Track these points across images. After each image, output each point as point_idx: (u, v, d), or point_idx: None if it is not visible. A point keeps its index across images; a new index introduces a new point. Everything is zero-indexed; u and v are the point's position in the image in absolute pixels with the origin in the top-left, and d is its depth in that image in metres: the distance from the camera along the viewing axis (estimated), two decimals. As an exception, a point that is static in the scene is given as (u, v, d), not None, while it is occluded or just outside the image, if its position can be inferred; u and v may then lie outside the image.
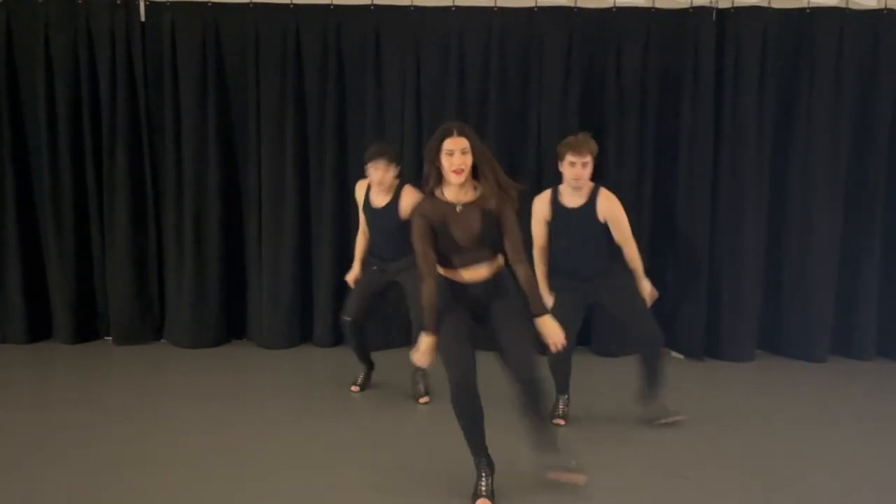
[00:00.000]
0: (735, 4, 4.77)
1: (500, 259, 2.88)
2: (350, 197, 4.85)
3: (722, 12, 4.79)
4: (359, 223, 4.10)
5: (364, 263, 4.05)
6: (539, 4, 4.81)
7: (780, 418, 3.83)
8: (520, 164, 4.94)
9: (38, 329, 5.05)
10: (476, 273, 2.81)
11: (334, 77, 4.87)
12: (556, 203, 3.60)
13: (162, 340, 5.12)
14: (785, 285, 4.96)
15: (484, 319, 2.87)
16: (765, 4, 4.76)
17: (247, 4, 4.81)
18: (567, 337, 2.93)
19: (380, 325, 4.84)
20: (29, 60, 4.84)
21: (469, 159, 2.68)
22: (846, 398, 4.22)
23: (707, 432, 3.62)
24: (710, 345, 4.96)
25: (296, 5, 4.81)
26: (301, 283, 5.03)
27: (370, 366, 4.23)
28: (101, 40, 4.82)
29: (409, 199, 3.72)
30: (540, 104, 4.87)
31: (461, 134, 2.68)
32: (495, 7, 4.82)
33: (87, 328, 5.09)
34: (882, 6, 4.76)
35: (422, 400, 4.00)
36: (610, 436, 3.52)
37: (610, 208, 3.53)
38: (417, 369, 4.04)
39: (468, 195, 2.75)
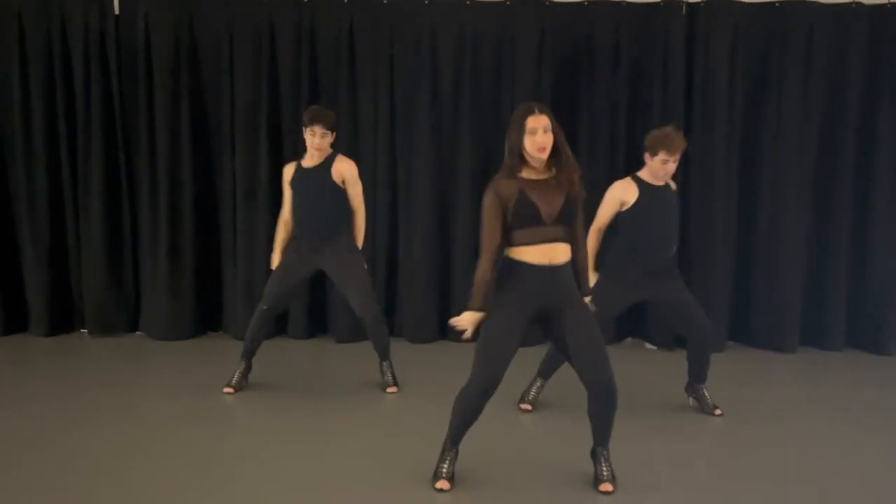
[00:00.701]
0: (705, -1, 4.83)
1: (570, 248, 2.84)
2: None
3: (692, 6, 4.84)
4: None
5: (285, 250, 4.04)
6: (511, -1, 4.86)
7: (750, 407, 3.88)
8: (494, 156, 4.97)
9: (14, 322, 5.07)
10: (551, 254, 2.75)
11: (308, 70, 4.90)
12: (642, 185, 3.61)
13: (138, 332, 5.15)
14: (755, 278, 5.02)
15: (549, 319, 2.83)
16: (734, -2, 4.82)
17: (220, -3, 4.84)
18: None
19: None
20: (2, 53, 4.85)
21: (551, 137, 2.68)
22: (816, 387, 4.30)
23: (678, 421, 3.68)
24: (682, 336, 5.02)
25: (269, -2, 4.84)
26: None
27: (249, 365, 4.08)
28: (75, 33, 4.84)
29: (343, 162, 3.89)
30: (513, 97, 4.89)
31: (542, 112, 2.68)
32: (468, 1, 4.86)
33: (63, 320, 5.11)
34: (851, 0, 4.82)
35: (389, 390, 4.04)
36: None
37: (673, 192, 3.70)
38: (384, 361, 4.10)
39: (545, 175, 2.76)
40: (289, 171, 4.04)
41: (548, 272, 2.74)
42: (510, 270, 2.77)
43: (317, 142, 3.83)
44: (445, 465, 2.91)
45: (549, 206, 2.70)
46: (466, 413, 2.81)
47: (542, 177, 2.74)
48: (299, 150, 4.89)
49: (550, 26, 4.85)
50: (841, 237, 4.93)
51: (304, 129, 3.89)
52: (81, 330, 5.15)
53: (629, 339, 5.19)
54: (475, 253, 4.91)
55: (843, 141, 4.86)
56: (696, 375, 3.80)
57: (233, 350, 4.76)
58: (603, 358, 2.75)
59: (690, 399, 3.87)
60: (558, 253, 2.76)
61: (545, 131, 2.66)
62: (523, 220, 2.71)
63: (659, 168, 3.52)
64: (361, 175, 4.95)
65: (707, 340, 3.71)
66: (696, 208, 4.91)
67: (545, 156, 2.69)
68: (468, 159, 4.95)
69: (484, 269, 2.74)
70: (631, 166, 4.93)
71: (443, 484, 2.86)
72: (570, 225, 2.79)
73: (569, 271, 2.81)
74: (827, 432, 3.56)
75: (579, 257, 2.87)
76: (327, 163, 3.91)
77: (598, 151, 4.92)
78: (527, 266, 2.74)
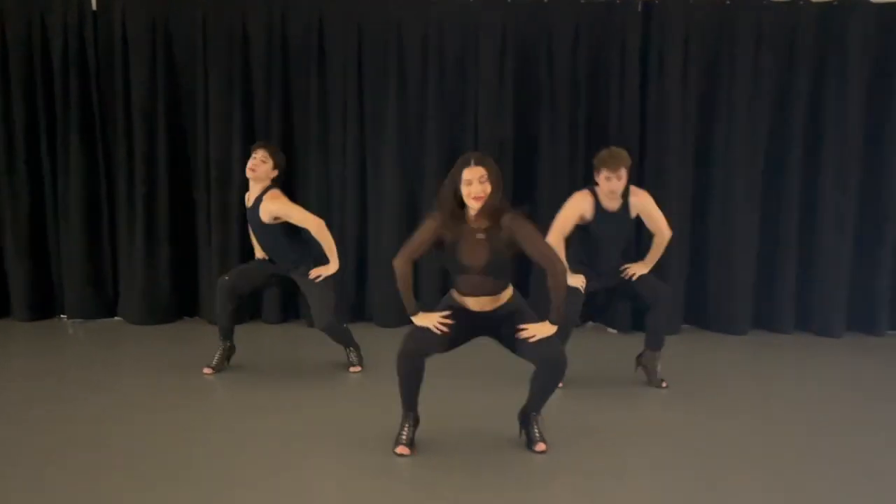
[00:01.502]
0: (659, -4, 5.05)
1: (510, 291, 3.05)
2: (293, 182, 5.13)
3: (647, 4, 5.06)
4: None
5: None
6: (474, -5, 5.06)
7: (697, 382, 4.11)
8: (458, 149, 5.17)
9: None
10: (481, 303, 3.01)
11: (279, 66, 5.09)
12: (598, 206, 3.86)
13: (116, 317, 5.33)
14: (709, 263, 5.25)
15: (491, 332, 3.08)
16: (687, -4, 5.04)
17: (195, -5, 5.02)
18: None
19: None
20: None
21: (487, 187, 2.84)
22: (767, 366, 4.54)
23: (626, 394, 3.90)
24: (639, 321, 5.24)
25: (242, -5, 5.03)
26: (246, 260, 5.25)
27: (230, 346, 4.19)
28: (54, 29, 5.02)
29: (269, 202, 3.89)
30: (477, 92, 5.11)
31: (478, 163, 2.86)
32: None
33: (44, 306, 5.29)
34: (799, -3, 5.06)
35: (352, 369, 4.23)
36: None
37: (642, 204, 3.91)
38: (348, 347, 4.27)
39: (484, 224, 2.92)
40: (247, 199, 4.11)
41: (483, 316, 3.04)
42: (450, 299, 3.08)
43: (254, 163, 3.91)
44: (405, 432, 3.09)
45: (474, 257, 2.92)
46: (403, 374, 2.99)
47: (476, 227, 2.92)
48: (271, 139, 5.10)
49: (512, 23, 5.05)
50: (790, 225, 5.16)
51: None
52: (61, 315, 5.33)
53: (591, 324, 5.40)
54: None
55: (791, 133, 5.08)
56: (653, 341, 3.99)
57: (208, 334, 4.92)
58: (547, 343, 2.93)
59: (637, 370, 4.08)
60: (486, 301, 3.01)
61: (481, 182, 2.84)
62: (451, 265, 2.99)
63: (604, 185, 3.77)
64: (332, 169, 5.17)
65: (664, 301, 3.93)
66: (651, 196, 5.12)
67: (479, 204, 2.86)
68: (434, 152, 5.15)
69: (400, 272, 3.04)
70: (590, 155, 5.15)
71: (402, 449, 3.04)
72: (507, 274, 3.02)
73: (507, 307, 3.04)
74: (766, 406, 3.78)
75: (552, 284, 2.94)
76: (258, 201, 3.93)
77: (558, 141, 5.13)
78: (463, 308, 3.05)
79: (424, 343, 2.98)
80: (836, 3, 5.02)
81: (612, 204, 3.86)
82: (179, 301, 5.34)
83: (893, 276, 5.21)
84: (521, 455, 3.09)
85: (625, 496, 2.76)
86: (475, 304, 3.03)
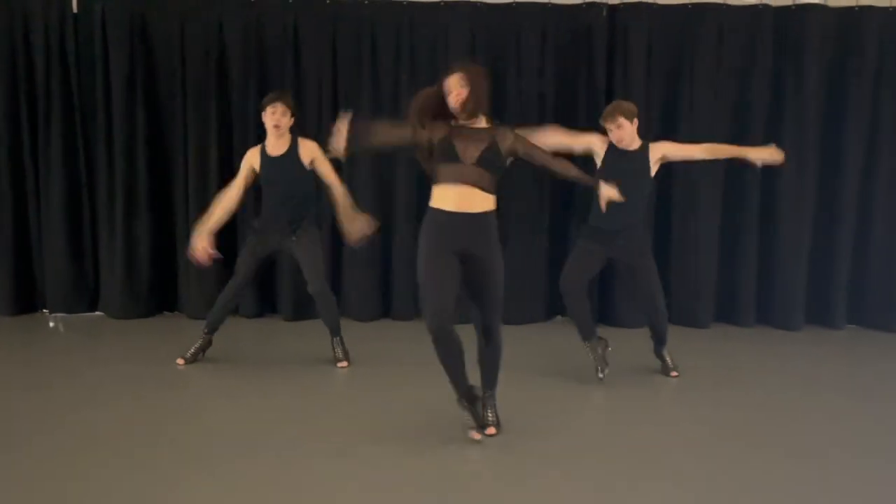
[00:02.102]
0: (623, 1, 5.21)
1: (493, 202, 3.08)
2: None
3: (612, 8, 5.23)
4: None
5: (250, 229, 4.31)
6: (445, -1, 5.22)
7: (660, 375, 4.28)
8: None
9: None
10: (463, 197, 2.99)
11: (256, 66, 5.25)
12: (611, 145, 3.98)
13: (97, 312, 5.47)
14: (672, 259, 5.42)
15: (465, 261, 3.04)
16: (651, 0, 5.20)
17: (173, -3, 5.17)
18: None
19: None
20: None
21: (464, 91, 2.97)
22: (727, 358, 4.70)
23: (576, 385, 4.07)
24: (606, 313, 5.42)
25: (219, -2, 5.18)
26: (226, 258, 5.39)
27: (209, 341, 4.28)
28: (36, 31, 5.16)
29: (307, 144, 4.12)
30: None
31: (455, 71, 3.02)
32: (405, 1, 5.22)
33: (26, 301, 5.43)
34: (759, 2, 5.23)
35: (340, 365, 4.28)
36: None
37: (662, 146, 4.05)
38: (335, 337, 4.33)
39: (477, 124, 3.06)
40: (254, 157, 4.17)
41: (463, 220, 3.00)
42: (430, 218, 3.07)
43: (276, 118, 4.02)
44: (467, 416, 3.10)
45: (467, 149, 3.00)
46: (443, 358, 2.97)
47: (471, 125, 3.05)
48: (247, 139, 5.25)
49: (482, 25, 5.22)
50: (750, 223, 5.34)
51: (262, 112, 4.10)
52: (43, 310, 5.47)
53: (559, 317, 5.56)
54: (415, 236, 5.31)
55: (751, 131, 5.25)
56: (655, 340, 4.22)
57: (186, 328, 5.07)
58: (494, 308, 3.11)
59: (659, 363, 4.29)
60: (475, 201, 3.01)
61: (459, 86, 2.98)
62: (444, 158, 3.02)
63: (611, 138, 3.96)
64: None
65: (653, 311, 4.12)
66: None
67: (461, 108, 2.99)
68: (406, 151, 5.30)
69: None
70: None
71: (475, 434, 3.11)
72: (495, 181, 3.07)
73: (487, 221, 3.05)
74: (728, 395, 3.95)
75: (562, 166, 3.26)
76: (293, 149, 4.11)
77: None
78: (443, 213, 3.02)
79: (441, 306, 2.91)
80: (794, 6, 5.20)
81: (627, 146, 3.99)
82: (159, 296, 5.48)
83: (850, 272, 5.39)
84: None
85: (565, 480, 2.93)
86: (457, 199, 2.99)
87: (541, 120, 5.26)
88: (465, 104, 2.98)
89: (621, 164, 3.95)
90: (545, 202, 5.38)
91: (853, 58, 5.18)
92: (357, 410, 3.59)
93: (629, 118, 3.92)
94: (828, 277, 5.38)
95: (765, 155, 4.11)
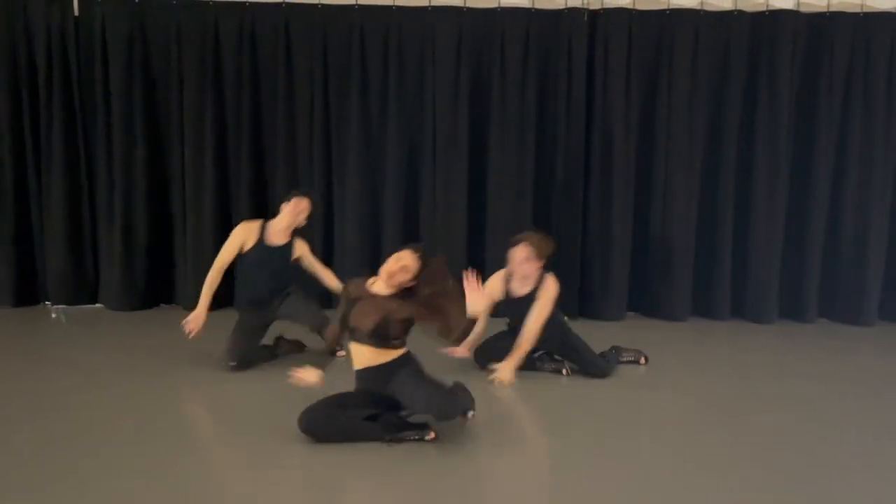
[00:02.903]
0: (604, 6, 5.41)
1: (397, 353, 3.22)
2: (262, 176, 5.53)
3: (593, 13, 5.43)
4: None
5: (241, 307, 4.41)
6: (432, 4, 5.41)
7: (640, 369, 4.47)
8: (417, 147, 5.56)
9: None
10: (365, 359, 3.21)
11: (249, 68, 5.45)
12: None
13: (97, 304, 5.69)
14: (650, 256, 5.63)
15: (387, 399, 3.21)
16: (630, 6, 5.40)
17: (170, 1, 5.36)
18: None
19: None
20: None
21: (401, 276, 3.17)
22: (706, 351, 4.89)
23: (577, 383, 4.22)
24: (585, 306, 5.63)
25: (215, 2, 5.37)
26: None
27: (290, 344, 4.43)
28: (38, 33, 5.36)
29: (301, 244, 4.33)
30: (434, 91, 5.47)
31: (409, 251, 3.24)
32: (394, 7, 5.42)
33: (28, 293, 5.64)
34: (734, 8, 5.43)
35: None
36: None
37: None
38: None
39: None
40: (247, 236, 4.23)
41: (364, 372, 3.23)
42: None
43: (299, 218, 4.24)
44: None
45: (363, 320, 3.16)
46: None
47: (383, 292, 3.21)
48: (241, 137, 5.46)
49: (468, 29, 5.42)
50: (725, 219, 5.54)
51: (286, 201, 4.25)
52: (45, 302, 5.68)
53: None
54: (403, 234, 5.51)
55: (725, 132, 5.47)
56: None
57: (181, 319, 5.23)
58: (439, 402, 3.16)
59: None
60: (373, 357, 3.19)
61: (401, 268, 3.18)
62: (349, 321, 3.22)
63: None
64: (300, 165, 5.54)
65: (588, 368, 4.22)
66: (597, 192, 5.53)
67: (383, 281, 3.21)
68: (394, 150, 5.52)
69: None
70: (540, 156, 5.56)
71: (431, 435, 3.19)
72: (395, 341, 3.19)
73: (392, 366, 3.20)
74: (715, 385, 4.15)
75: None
76: (291, 243, 4.29)
77: (509, 140, 5.51)
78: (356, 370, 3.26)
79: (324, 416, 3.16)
80: (767, 12, 5.40)
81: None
82: (156, 289, 5.69)
83: (821, 268, 5.60)
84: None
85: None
86: (360, 360, 3.24)
87: (522, 120, 5.49)
88: (389, 280, 3.20)
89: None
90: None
91: (825, 59, 5.38)
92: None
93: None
94: (799, 273, 5.59)
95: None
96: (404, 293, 3.21)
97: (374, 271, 5.44)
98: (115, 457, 3.00)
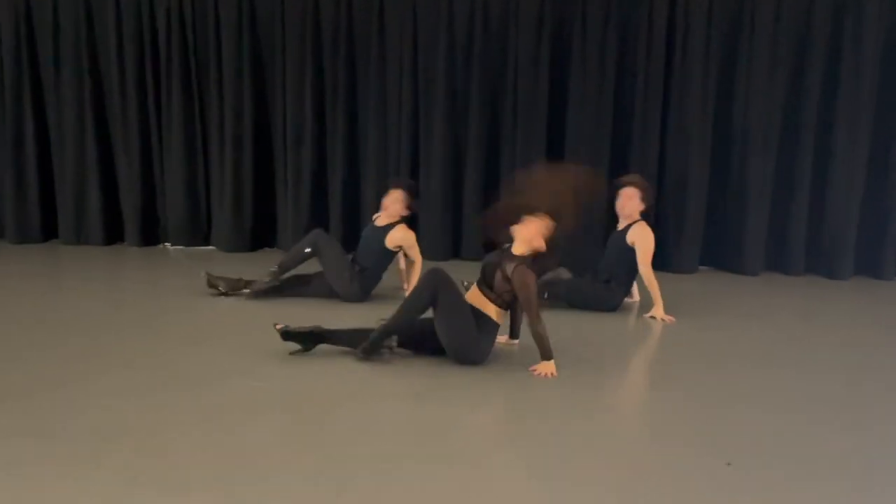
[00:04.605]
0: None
1: (487, 307, 3.38)
2: (356, 135, 6.00)
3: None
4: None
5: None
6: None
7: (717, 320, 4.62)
8: (499, 101, 5.90)
9: (112, 234, 6.36)
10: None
11: (345, 27, 5.93)
12: None
13: (210, 246, 6.34)
14: (726, 209, 5.79)
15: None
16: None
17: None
18: None
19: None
20: (102, 17, 6.07)
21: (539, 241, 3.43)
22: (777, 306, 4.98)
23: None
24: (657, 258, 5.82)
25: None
26: (316, 199, 6.18)
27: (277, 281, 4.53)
28: (160, 10, 5.98)
29: (396, 233, 4.48)
30: (517, 50, 5.77)
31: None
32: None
33: (151, 235, 6.35)
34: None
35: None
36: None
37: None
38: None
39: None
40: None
41: None
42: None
43: (388, 202, 4.51)
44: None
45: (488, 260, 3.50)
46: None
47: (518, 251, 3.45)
48: (336, 103, 5.94)
49: (549, 5, 5.69)
50: (803, 175, 5.63)
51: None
52: (165, 243, 6.37)
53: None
54: (485, 183, 5.78)
55: (806, 92, 5.54)
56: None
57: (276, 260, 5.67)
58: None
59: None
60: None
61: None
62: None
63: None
64: (390, 121, 5.92)
65: None
66: (672, 146, 5.72)
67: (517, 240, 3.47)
68: (477, 104, 5.88)
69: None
70: (618, 116, 5.78)
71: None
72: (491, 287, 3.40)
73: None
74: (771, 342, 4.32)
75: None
76: (387, 228, 4.50)
77: (587, 105, 5.75)
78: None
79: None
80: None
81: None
82: (261, 233, 6.30)
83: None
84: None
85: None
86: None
87: (602, 80, 5.71)
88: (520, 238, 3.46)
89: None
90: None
91: None
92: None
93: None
94: (878, 229, 5.63)
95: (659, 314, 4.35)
96: (537, 259, 3.44)
97: (454, 212, 5.92)
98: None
